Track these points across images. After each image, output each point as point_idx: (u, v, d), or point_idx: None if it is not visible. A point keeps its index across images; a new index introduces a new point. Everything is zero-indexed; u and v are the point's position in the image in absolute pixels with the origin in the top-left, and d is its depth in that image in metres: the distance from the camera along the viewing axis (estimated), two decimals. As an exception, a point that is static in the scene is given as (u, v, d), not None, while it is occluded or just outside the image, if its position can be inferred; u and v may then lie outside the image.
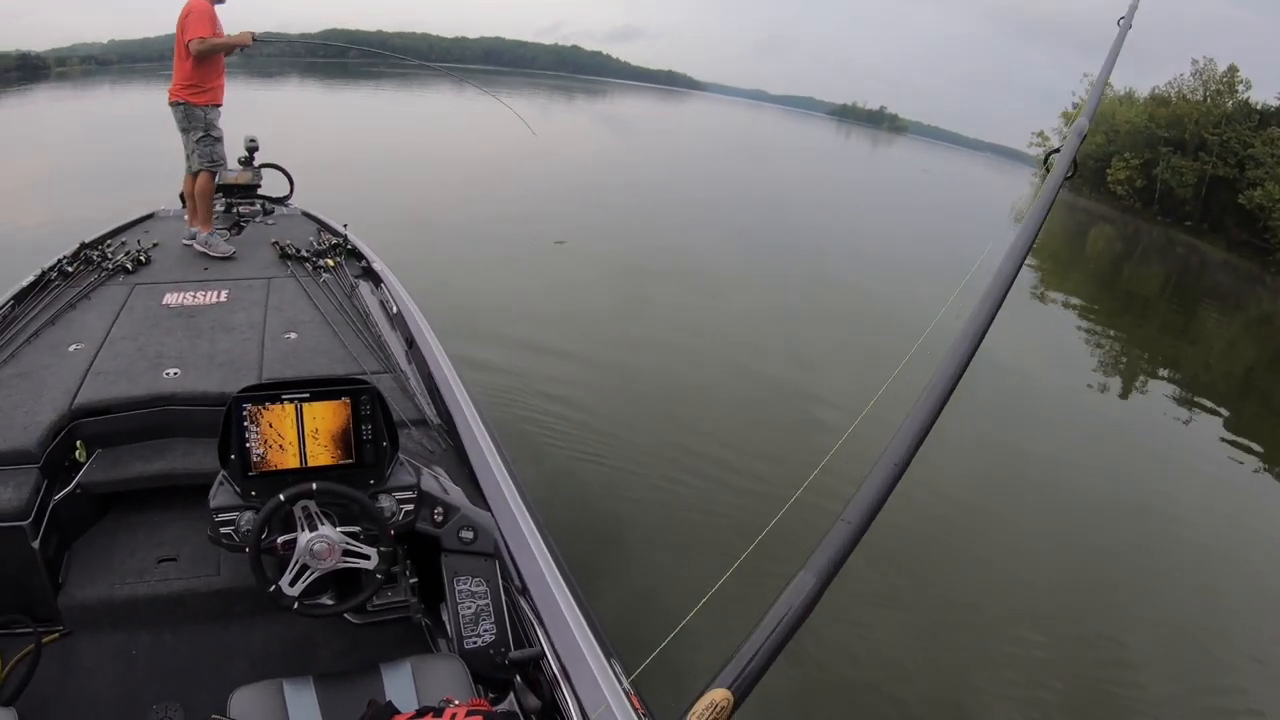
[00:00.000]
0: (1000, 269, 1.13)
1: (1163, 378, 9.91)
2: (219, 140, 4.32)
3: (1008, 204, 32.79)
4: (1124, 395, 8.92)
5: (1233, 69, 43.05)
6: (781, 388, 6.57)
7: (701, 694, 0.64)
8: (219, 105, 4.34)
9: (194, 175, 4.31)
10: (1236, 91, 42.56)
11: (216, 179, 4.44)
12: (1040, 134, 61.24)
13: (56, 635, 2.16)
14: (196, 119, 4.20)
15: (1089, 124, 1.66)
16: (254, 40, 4.37)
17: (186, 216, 4.44)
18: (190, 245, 4.22)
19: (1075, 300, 13.82)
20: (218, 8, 4.16)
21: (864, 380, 6.82)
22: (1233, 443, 7.60)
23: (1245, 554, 5.35)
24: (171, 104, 4.21)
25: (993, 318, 1.13)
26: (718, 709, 0.64)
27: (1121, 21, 2.13)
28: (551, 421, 5.05)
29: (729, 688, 0.65)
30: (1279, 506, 6.50)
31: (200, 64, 4.12)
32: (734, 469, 4.85)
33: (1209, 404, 8.85)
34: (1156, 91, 48.04)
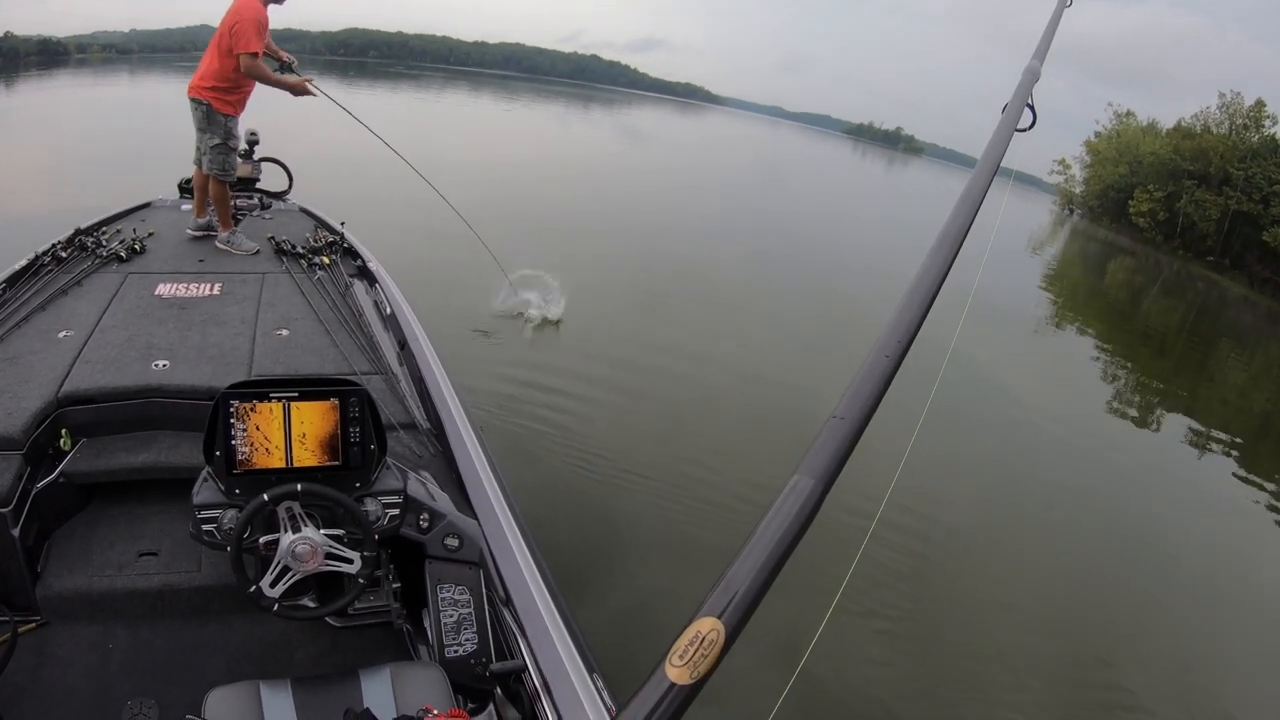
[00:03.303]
0: (956, 211, 1.07)
1: (1177, 414, 9.76)
2: (234, 151, 4.24)
3: (1025, 231, 32.64)
4: (1136, 429, 8.79)
5: (1260, 103, 42.79)
6: (782, 404, 6.52)
7: (685, 627, 0.54)
8: (238, 116, 4.23)
9: (206, 175, 4.26)
10: (1263, 126, 42.30)
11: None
12: (1061, 161, 60.96)
13: (33, 625, 2.14)
14: (217, 124, 4.10)
15: (1040, 66, 1.52)
16: (307, 89, 4.25)
17: (186, 207, 4.46)
18: (193, 235, 4.26)
19: (1091, 332, 13.69)
20: (272, 7, 4.05)
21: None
22: (1245, 480, 7.47)
23: (1251, 593, 5.25)
24: (192, 100, 4.08)
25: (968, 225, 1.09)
26: (705, 642, 0.53)
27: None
28: (541, 431, 5.02)
29: (718, 617, 0.55)
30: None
31: (234, 70, 3.99)
32: (730, 487, 4.80)
33: (1223, 442, 8.71)
34: (1182, 123, 47.85)
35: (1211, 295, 30.27)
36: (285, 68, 4.33)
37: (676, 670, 0.52)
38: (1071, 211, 58.50)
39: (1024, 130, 1.36)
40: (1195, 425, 9.28)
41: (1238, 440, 9.07)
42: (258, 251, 4.07)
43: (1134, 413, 9.51)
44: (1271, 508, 7.04)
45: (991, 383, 8.48)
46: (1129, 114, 55.45)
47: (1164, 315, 21.00)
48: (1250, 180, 39.10)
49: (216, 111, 4.06)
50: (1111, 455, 7.52)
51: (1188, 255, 41.02)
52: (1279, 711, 4.03)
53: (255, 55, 3.90)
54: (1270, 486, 7.52)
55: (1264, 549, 6.21)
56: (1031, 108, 1.38)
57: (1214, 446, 8.57)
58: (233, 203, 4.95)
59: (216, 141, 4.11)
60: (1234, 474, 7.71)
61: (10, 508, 2.09)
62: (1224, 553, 5.90)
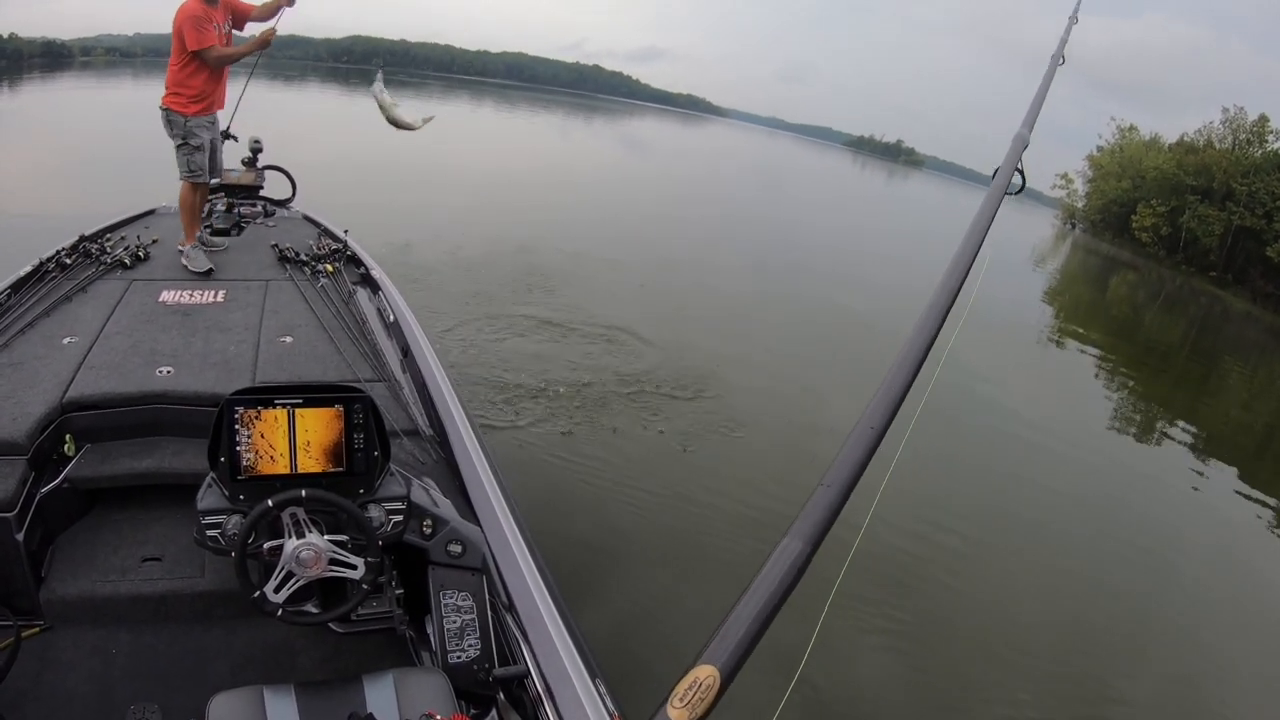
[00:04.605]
0: (945, 281, 1.10)
1: (1178, 428, 9.73)
2: (199, 150, 4.01)
3: (1027, 245, 32.65)
4: (1137, 443, 8.78)
5: (1263, 118, 42.88)
6: (782, 414, 6.52)
7: (685, 673, 0.60)
8: (208, 115, 4.04)
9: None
10: (1267, 141, 42.36)
11: (220, 179, 4.31)
12: (1064, 176, 61.04)
13: (36, 630, 2.14)
14: (176, 125, 3.93)
15: (1029, 134, 1.59)
16: (268, 40, 4.04)
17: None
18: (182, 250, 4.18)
19: (1093, 346, 13.67)
20: (288, 10, 4.04)
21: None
22: (1246, 496, 7.45)
23: (1249, 606, 5.24)
24: (160, 108, 3.97)
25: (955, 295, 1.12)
26: (702, 687, 0.59)
27: (1054, 58, 2.11)
28: (544, 437, 5.03)
29: (715, 665, 0.61)
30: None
31: (186, 70, 3.85)
32: (732, 493, 4.80)
33: (1224, 457, 8.69)
34: (1185, 138, 47.94)
35: (1214, 310, 30.23)
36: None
37: (677, 712, 0.58)
38: (1073, 226, 58.52)
39: (1013, 194, 1.44)
40: (1196, 439, 9.26)
41: (1239, 455, 9.06)
42: (209, 271, 3.83)
43: (1135, 426, 9.50)
44: (1273, 522, 7.03)
45: (992, 394, 8.49)
46: (1131, 128, 55.61)
47: (1166, 330, 20.98)
48: (1254, 195, 39.11)
49: (174, 113, 3.92)
50: (1112, 467, 7.52)
51: (1190, 270, 41.00)
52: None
53: (209, 48, 3.78)
54: (1271, 501, 7.50)
55: (1265, 560, 6.18)
56: (1021, 172, 1.46)
57: (1214, 461, 8.55)
58: (237, 210, 4.99)
59: (177, 142, 3.96)
60: (1235, 489, 7.69)
61: (14, 512, 2.09)
62: (1224, 562, 5.90)
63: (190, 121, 3.93)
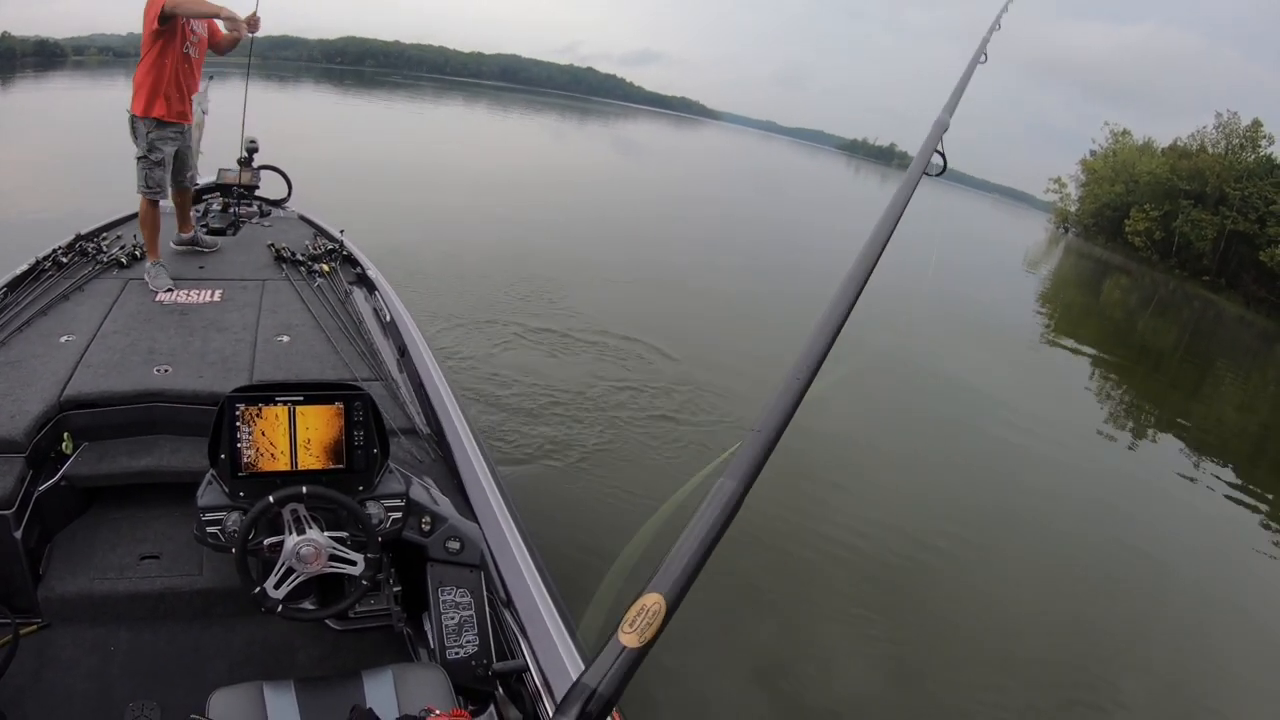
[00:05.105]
0: (865, 251, 1.18)
1: (1171, 432, 9.78)
2: (159, 165, 3.66)
3: (1020, 248, 32.76)
4: (1130, 446, 8.81)
5: (1256, 123, 43.20)
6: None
7: (634, 601, 0.67)
8: (171, 123, 3.68)
9: (182, 192, 3.95)
10: (1260, 146, 42.64)
11: (195, 186, 4.12)
12: (1057, 180, 61.39)
13: (34, 628, 2.14)
14: (139, 134, 3.62)
15: (949, 119, 1.67)
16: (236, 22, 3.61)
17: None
18: (179, 249, 4.15)
19: (1086, 350, 13.72)
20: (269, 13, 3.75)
21: (862, 405, 6.79)
22: (1239, 501, 7.49)
23: (1243, 607, 5.26)
24: (127, 113, 3.68)
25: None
26: (649, 613, 0.65)
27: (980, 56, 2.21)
28: (542, 434, 5.04)
29: (661, 593, 0.67)
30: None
31: (155, 68, 3.49)
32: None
33: (1218, 462, 8.73)
34: (1179, 143, 48.23)
35: (1207, 314, 30.40)
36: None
37: (628, 636, 0.65)
38: (1066, 230, 58.84)
39: (934, 175, 1.50)
40: (1190, 442, 9.32)
41: (1233, 458, 9.10)
42: (170, 290, 3.56)
43: (1129, 429, 9.54)
44: (1267, 523, 7.07)
45: (985, 397, 8.53)
46: (1125, 132, 56.00)
47: (1160, 334, 21.07)
48: (1246, 200, 39.40)
49: (136, 118, 3.62)
50: (1106, 469, 7.56)
51: (1184, 274, 41.25)
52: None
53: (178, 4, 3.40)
54: (1266, 503, 7.55)
55: (1259, 561, 6.22)
56: (942, 155, 1.52)
57: (1208, 464, 8.59)
58: (233, 210, 4.98)
59: (139, 154, 3.65)
60: (1229, 492, 7.72)
61: (12, 510, 2.10)
62: (1218, 564, 5.93)
63: (154, 133, 3.62)
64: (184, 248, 4.16)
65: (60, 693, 2.01)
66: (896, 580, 4.39)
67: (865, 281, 1.10)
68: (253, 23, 3.80)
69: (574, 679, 0.65)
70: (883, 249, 1.19)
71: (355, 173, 14.52)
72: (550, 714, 1.77)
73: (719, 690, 3.31)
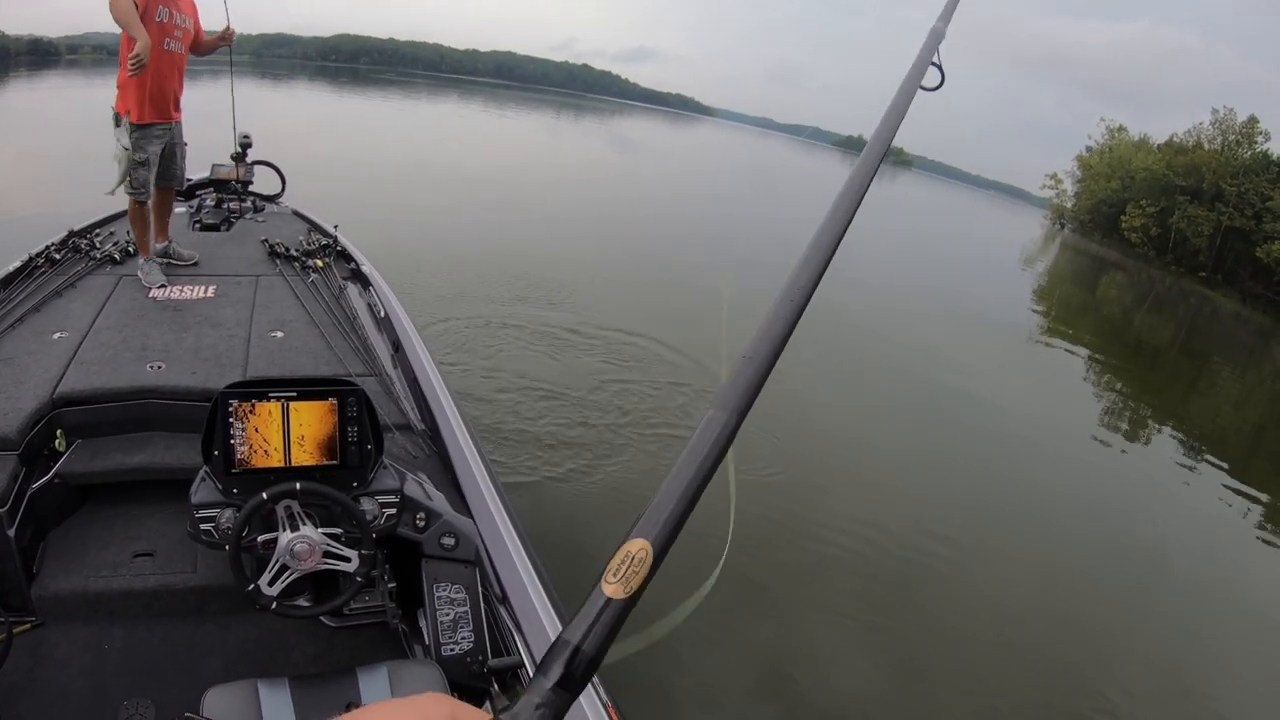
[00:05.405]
0: (856, 170, 1.10)
1: (1168, 429, 9.79)
2: (142, 165, 3.58)
3: (1016, 245, 32.74)
4: (1126, 442, 8.83)
5: (1253, 119, 43.23)
6: (779, 417, 6.54)
7: (617, 549, 0.58)
8: (161, 124, 3.61)
9: (160, 191, 3.85)
10: (1256, 142, 42.70)
11: (182, 185, 4.03)
12: (1053, 176, 61.52)
13: (28, 626, 2.13)
14: (122, 131, 3.53)
15: (945, 27, 1.50)
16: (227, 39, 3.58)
17: (180, 210, 4.36)
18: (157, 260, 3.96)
19: (1082, 346, 13.74)
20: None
21: (858, 401, 6.82)
22: (1236, 492, 7.51)
23: (1237, 602, 5.28)
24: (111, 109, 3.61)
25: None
26: (635, 560, 0.58)
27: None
28: (537, 429, 5.03)
29: (647, 539, 0.60)
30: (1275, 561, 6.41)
31: (127, 57, 3.30)
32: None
33: (1214, 458, 8.73)
34: (1175, 139, 48.31)
35: (1204, 310, 30.43)
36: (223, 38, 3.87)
37: (611, 587, 0.57)
38: (1062, 226, 58.95)
39: (931, 89, 1.34)
40: (1186, 438, 9.32)
41: (1228, 454, 9.12)
42: (163, 286, 3.53)
43: (1124, 425, 9.55)
44: (1262, 519, 7.09)
45: (980, 393, 8.53)
46: (1121, 129, 56.04)
47: (1156, 331, 21.10)
48: (1243, 196, 39.46)
49: (118, 115, 3.54)
50: (1101, 465, 7.56)
51: (1180, 270, 41.32)
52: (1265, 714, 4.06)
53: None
54: (1261, 498, 7.57)
55: (1254, 557, 6.24)
56: (939, 67, 1.36)
57: (1204, 459, 8.60)
58: (226, 205, 4.96)
59: (118, 151, 3.59)
60: (1225, 487, 7.74)
61: (5, 508, 2.09)
62: (1213, 560, 5.94)
63: (138, 132, 3.53)
64: (160, 260, 3.85)
65: (55, 691, 2.00)
66: (893, 577, 4.39)
67: (858, 203, 1.03)
68: (228, 36, 3.84)
69: None
70: (880, 161, 1.14)
71: (349, 170, 14.48)
72: None
73: (719, 689, 3.31)
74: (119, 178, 3.63)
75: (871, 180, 1.09)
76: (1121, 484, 7.23)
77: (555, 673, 0.53)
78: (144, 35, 3.23)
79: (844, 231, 0.97)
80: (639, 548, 0.59)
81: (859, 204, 1.02)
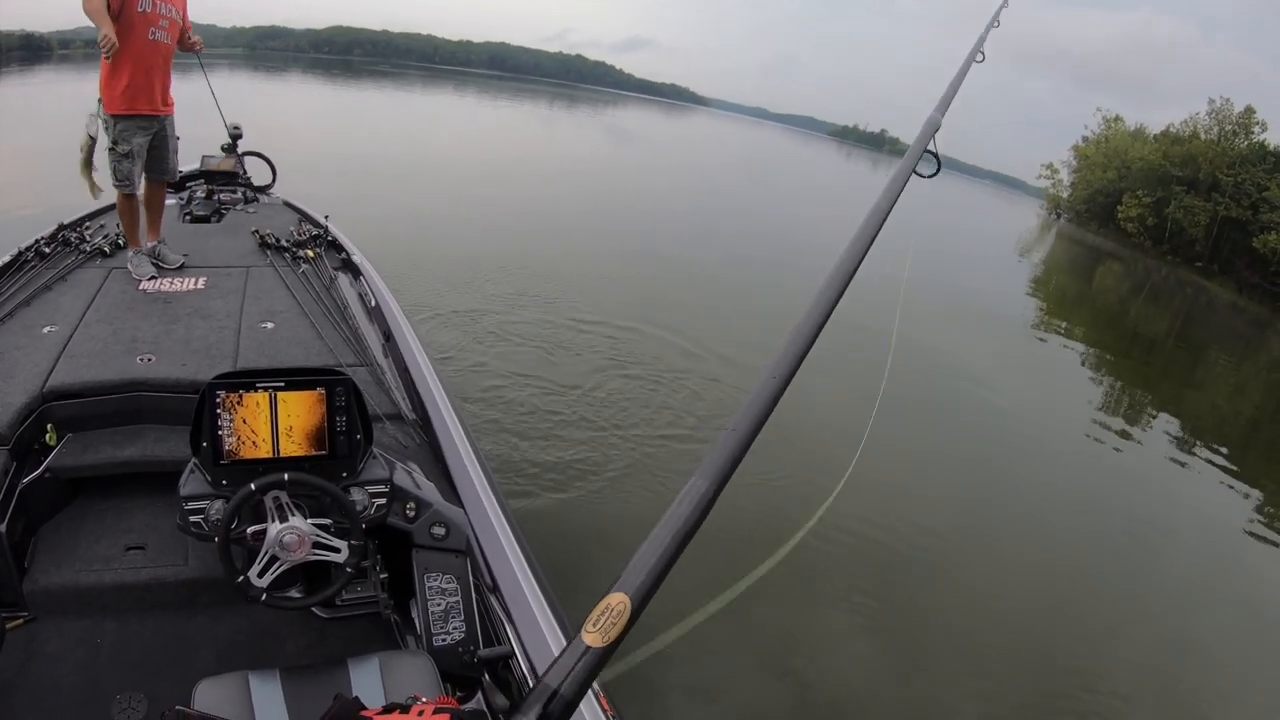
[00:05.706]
0: (850, 249, 1.13)
1: (1164, 419, 9.81)
2: (126, 158, 3.50)
3: (1012, 235, 32.66)
4: (1123, 434, 8.84)
5: (1249, 110, 43.19)
6: (779, 417, 6.52)
7: (598, 601, 0.64)
8: (140, 115, 3.50)
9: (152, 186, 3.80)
10: (1252, 133, 42.65)
11: (174, 178, 3.98)
12: (1049, 166, 61.43)
13: (20, 621, 2.13)
14: (107, 125, 3.47)
15: (941, 118, 1.58)
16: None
17: (170, 202, 4.31)
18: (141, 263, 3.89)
19: (1078, 336, 13.76)
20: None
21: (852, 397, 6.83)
22: (1232, 487, 7.53)
23: (1233, 595, 5.30)
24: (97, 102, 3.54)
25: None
26: (614, 613, 0.63)
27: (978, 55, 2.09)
28: (528, 420, 5.03)
29: (626, 593, 0.64)
30: (1271, 555, 6.43)
31: (116, 63, 3.33)
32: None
33: (1210, 449, 8.76)
34: (1171, 129, 48.24)
35: (1200, 300, 30.45)
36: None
37: (591, 636, 0.63)
38: (1059, 216, 58.92)
39: (926, 177, 1.40)
40: (1182, 429, 9.36)
41: (1224, 445, 9.14)
42: (153, 278, 3.51)
43: (1119, 416, 9.56)
44: (1258, 511, 7.11)
45: (973, 385, 8.54)
46: (1117, 119, 55.98)
47: (1152, 321, 21.12)
48: (1239, 186, 39.41)
49: (104, 113, 3.48)
50: (1096, 456, 7.57)
51: (1176, 260, 41.32)
52: (1261, 711, 4.07)
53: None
54: (1257, 491, 7.59)
55: (1251, 550, 6.25)
56: (935, 155, 1.42)
57: (1200, 451, 8.63)
58: (217, 196, 4.94)
59: (107, 145, 3.53)
60: (1221, 480, 7.76)
61: None
62: (1209, 552, 5.97)
63: (121, 124, 3.46)
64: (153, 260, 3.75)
65: (47, 685, 2.00)
66: (890, 574, 4.40)
67: (844, 288, 1.07)
68: (198, 49, 3.85)
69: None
70: (862, 257, 1.14)
71: (341, 162, 14.45)
72: None
73: (720, 690, 3.31)
74: (79, 166, 3.56)
75: (859, 265, 1.10)
76: (1117, 475, 7.24)
77: (533, 714, 0.58)
78: (109, 26, 3.19)
79: (825, 319, 1.00)
80: (618, 601, 0.64)
81: (843, 291, 1.05)
